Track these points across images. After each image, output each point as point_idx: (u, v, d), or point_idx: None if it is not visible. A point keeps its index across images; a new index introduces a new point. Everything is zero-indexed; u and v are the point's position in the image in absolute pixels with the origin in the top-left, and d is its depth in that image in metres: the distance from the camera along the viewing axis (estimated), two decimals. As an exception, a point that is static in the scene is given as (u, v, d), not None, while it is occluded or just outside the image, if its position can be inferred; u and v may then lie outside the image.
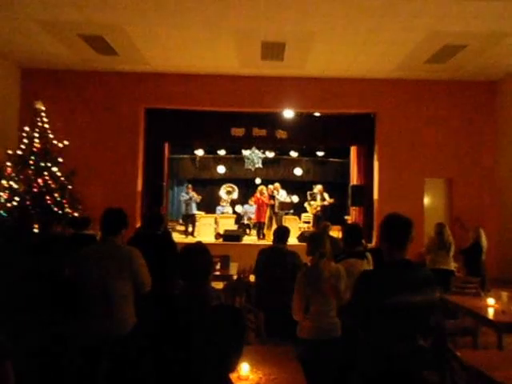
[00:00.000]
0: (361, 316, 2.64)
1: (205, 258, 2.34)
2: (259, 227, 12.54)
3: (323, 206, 12.55)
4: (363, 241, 4.94)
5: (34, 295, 3.22)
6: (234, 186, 16.98)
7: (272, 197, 12.94)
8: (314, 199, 12.93)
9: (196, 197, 13.07)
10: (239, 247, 10.64)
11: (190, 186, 13.49)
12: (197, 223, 12.95)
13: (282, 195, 13.33)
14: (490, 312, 4.81)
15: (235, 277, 6.88)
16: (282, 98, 10.86)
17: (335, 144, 13.34)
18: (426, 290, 2.56)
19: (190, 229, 12.79)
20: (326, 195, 12.87)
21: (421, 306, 2.53)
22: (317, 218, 12.59)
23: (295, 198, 14.27)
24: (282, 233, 5.40)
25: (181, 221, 14.72)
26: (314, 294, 3.63)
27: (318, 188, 13.26)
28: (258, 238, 12.38)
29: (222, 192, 16.82)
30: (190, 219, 12.89)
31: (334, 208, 12.70)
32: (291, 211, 13.62)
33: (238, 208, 15.80)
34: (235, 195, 16.86)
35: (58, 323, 3.28)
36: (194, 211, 13.09)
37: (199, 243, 2.46)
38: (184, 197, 13.09)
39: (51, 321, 3.20)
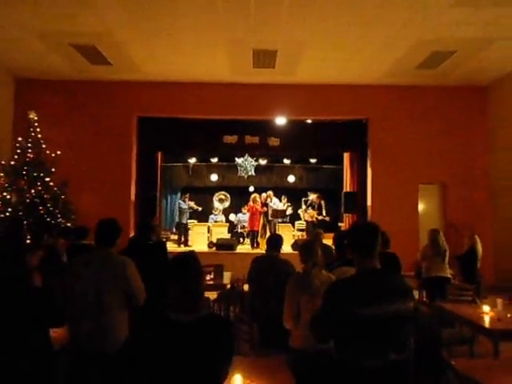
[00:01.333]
0: (329, 328, 2.54)
1: (195, 261, 2.31)
2: (253, 236, 12.51)
3: (318, 219, 12.61)
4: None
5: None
6: (226, 194, 16.99)
7: (265, 205, 12.93)
8: (313, 207, 12.94)
9: (196, 207, 13.25)
10: (233, 256, 10.60)
11: (187, 195, 13.54)
12: (190, 232, 12.95)
13: (275, 203, 13.34)
14: (486, 320, 4.76)
15: (229, 286, 6.84)
16: (274, 105, 10.87)
17: (328, 150, 13.33)
18: (398, 299, 2.45)
19: (184, 238, 12.77)
20: (323, 205, 12.91)
21: (393, 318, 2.41)
22: (310, 225, 12.59)
23: (290, 210, 14.17)
24: (275, 241, 5.35)
25: (174, 230, 14.70)
26: (305, 302, 3.58)
27: (314, 196, 13.26)
28: (252, 246, 12.34)
29: (215, 200, 16.82)
30: (183, 228, 12.89)
31: (327, 215, 12.75)
32: (286, 219, 13.62)
33: (232, 216, 15.77)
34: (228, 203, 16.86)
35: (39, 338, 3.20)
36: (187, 220, 13.10)
37: (192, 252, 2.45)
38: (182, 204, 13.14)
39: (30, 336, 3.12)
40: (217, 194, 17.04)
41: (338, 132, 11.55)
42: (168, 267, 2.30)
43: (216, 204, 16.49)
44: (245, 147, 12.04)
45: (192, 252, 2.39)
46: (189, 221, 13.37)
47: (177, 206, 14.12)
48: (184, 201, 13.25)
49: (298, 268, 4.64)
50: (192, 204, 13.44)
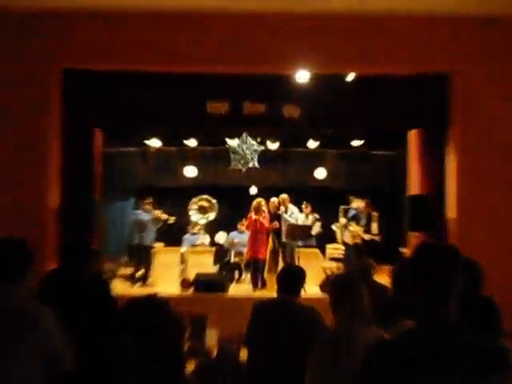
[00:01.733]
0: None
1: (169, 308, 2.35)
2: (256, 268, 12.55)
3: (365, 240, 12.60)
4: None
5: None
6: (211, 200, 16.97)
7: (277, 217, 12.93)
8: (357, 221, 12.93)
9: (165, 217, 13.35)
10: (222, 302, 10.74)
11: (150, 200, 13.57)
12: (153, 260, 13.01)
13: (293, 214, 13.32)
14: None
15: (215, 352, 6.87)
16: (292, 52, 10.78)
17: (381, 127, 13.31)
18: (487, 374, 2.36)
19: (142, 271, 12.79)
20: (374, 216, 12.89)
21: None
22: (352, 250, 12.59)
23: (317, 226, 14.16)
24: (293, 277, 5.38)
25: (126, 258, 14.70)
26: (341, 373, 3.57)
27: (360, 202, 13.26)
28: (255, 286, 12.41)
29: (192, 210, 16.77)
30: (143, 255, 12.92)
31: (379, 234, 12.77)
32: (310, 241, 13.62)
33: (220, 237, 15.78)
34: (214, 215, 16.84)
35: None
36: (151, 242, 13.14)
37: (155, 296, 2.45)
38: (141, 215, 13.19)
39: None
40: (195, 200, 17.02)
41: (398, 96, 11.48)
42: (117, 317, 2.30)
43: (194, 216, 16.49)
44: (242, 121, 12.05)
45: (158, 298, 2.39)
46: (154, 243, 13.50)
47: (132, 218, 14.12)
48: (144, 209, 13.26)
49: (329, 322, 4.63)
50: (158, 213, 13.43)
